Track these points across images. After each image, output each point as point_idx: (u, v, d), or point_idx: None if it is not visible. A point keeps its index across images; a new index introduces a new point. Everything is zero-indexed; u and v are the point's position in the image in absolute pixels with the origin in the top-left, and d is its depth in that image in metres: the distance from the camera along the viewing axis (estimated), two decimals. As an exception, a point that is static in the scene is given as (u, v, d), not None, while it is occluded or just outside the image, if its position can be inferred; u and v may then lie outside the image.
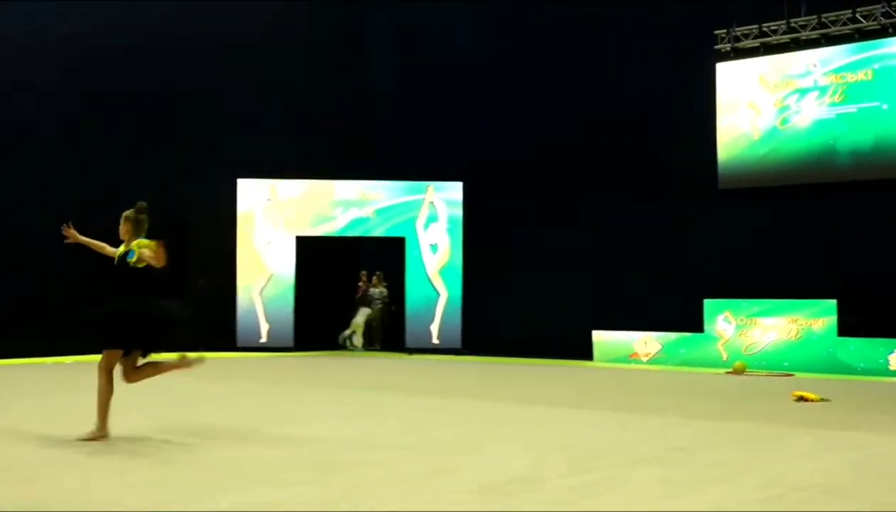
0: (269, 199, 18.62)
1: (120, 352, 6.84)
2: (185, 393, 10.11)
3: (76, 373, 12.49)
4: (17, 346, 15.23)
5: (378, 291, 19.68)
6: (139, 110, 17.55)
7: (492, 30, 19.27)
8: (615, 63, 17.53)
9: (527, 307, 17.89)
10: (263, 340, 18.40)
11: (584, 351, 16.91)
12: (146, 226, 7.13)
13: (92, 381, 6.92)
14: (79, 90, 17.01)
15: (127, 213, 7.14)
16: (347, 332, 19.44)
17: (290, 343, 18.34)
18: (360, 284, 19.92)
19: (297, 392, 10.93)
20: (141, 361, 7.04)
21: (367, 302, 19.80)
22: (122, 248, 7.05)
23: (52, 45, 16.81)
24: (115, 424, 6.85)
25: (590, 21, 17.83)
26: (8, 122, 16.30)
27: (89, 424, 6.74)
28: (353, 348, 19.81)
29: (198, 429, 7.55)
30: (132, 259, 6.91)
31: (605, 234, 17.37)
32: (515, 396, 10.48)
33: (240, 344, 18.17)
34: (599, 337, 16.92)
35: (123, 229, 7.09)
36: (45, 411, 8.84)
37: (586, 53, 17.86)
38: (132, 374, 7.03)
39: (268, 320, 18.46)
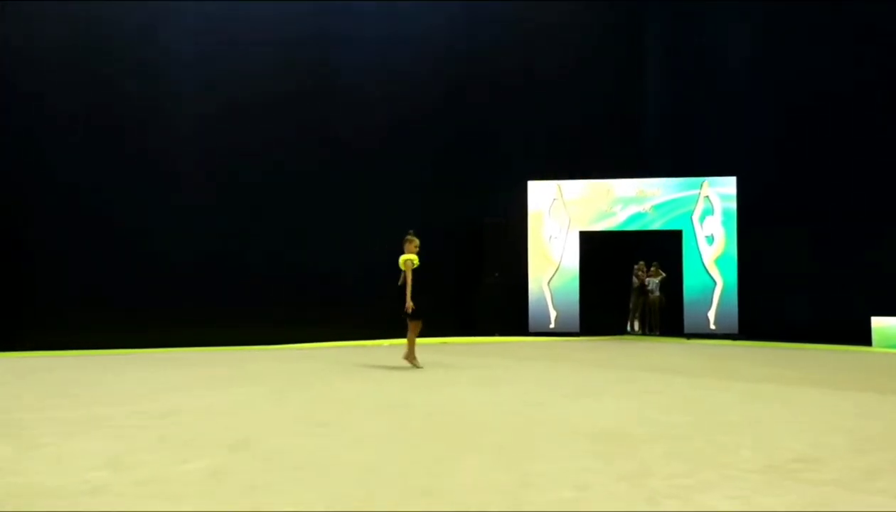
0: (555, 199, 18.83)
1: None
2: (488, 374, 10.44)
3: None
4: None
5: (655, 280, 19.43)
6: (445, 118, 18.21)
7: (763, 28, 18.39)
8: (879, 60, 16.30)
9: (802, 293, 16.96)
10: (552, 325, 18.60)
11: (862, 337, 15.80)
12: (406, 246, 10.47)
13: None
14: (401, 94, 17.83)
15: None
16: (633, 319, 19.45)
17: (577, 328, 18.43)
18: (639, 273, 19.72)
19: (583, 373, 10.98)
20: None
21: (645, 291, 19.60)
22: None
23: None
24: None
25: (854, 17, 16.70)
26: (341, 121, 17.17)
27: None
28: (634, 334, 19.64)
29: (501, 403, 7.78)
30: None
31: (879, 222, 16.13)
32: (793, 379, 9.97)
33: (531, 329, 18.55)
34: (879, 323, 15.71)
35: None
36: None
37: (849, 49, 16.70)
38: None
39: (555, 308, 18.64)
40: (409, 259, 10.18)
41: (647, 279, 19.57)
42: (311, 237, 16.64)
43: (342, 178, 17.06)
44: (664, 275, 19.33)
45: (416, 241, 10.43)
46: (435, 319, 17.45)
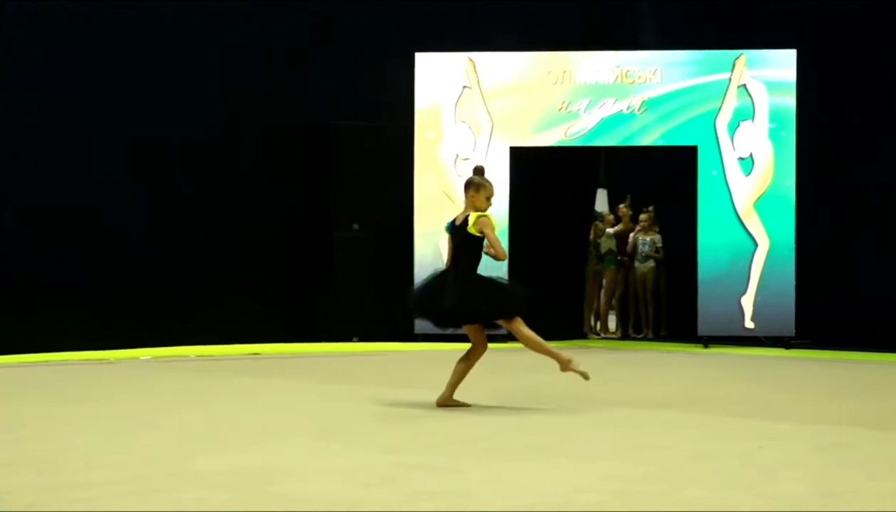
0: (466, 87, 18.76)
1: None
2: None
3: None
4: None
5: (649, 238, 19.55)
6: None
7: None
8: None
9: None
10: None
11: None
12: (472, 196, 10.85)
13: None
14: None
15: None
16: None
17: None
18: (620, 227, 19.87)
19: (512, 411, 11.06)
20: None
21: (624, 260, 19.80)
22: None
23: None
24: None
25: None
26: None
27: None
28: (603, 336, 19.81)
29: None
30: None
31: None
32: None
33: (419, 330, 18.04)
34: None
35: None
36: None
37: None
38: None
39: (462, 289, 18.58)
40: (483, 218, 10.79)
41: (637, 237, 19.66)
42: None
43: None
44: (659, 237, 19.46)
45: (490, 187, 11.04)
46: (252, 313, 17.38)
